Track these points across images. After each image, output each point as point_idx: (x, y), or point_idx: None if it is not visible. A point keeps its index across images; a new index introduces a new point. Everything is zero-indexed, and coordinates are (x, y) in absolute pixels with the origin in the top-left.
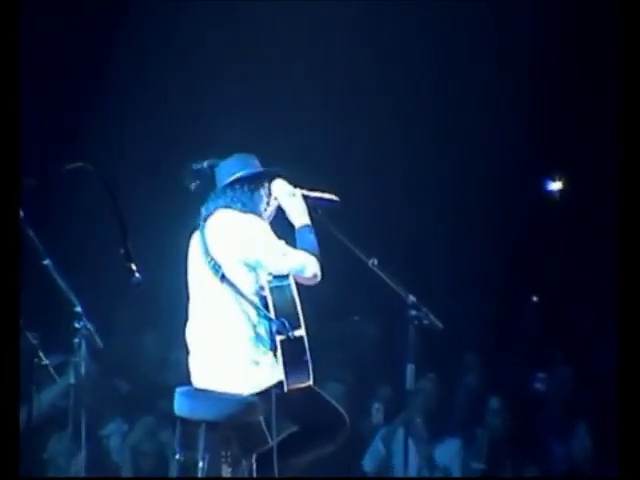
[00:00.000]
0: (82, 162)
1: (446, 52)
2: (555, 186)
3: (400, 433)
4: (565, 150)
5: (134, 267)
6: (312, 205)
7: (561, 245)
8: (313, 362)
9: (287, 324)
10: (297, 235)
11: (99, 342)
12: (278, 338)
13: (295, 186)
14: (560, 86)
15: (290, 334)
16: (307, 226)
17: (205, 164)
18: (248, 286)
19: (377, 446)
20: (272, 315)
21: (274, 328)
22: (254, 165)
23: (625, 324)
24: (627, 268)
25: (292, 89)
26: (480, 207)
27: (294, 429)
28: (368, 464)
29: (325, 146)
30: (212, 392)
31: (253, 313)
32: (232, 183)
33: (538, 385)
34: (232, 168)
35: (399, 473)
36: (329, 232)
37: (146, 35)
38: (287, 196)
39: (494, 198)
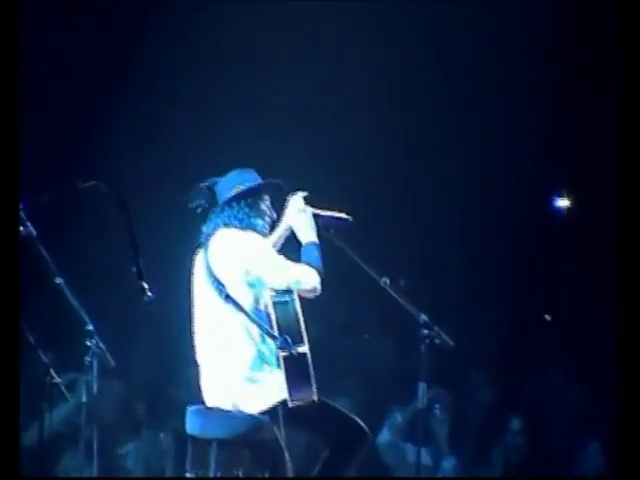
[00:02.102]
0: (95, 180)
1: (440, 48)
2: (563, 202)
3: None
4: (576, 164)
5: (146, 285)
6: (324, 224)
7: (576, 261)
8: (323, 379)
9: (290, 340)
10: (303, 251)
11: (111, 360)
12: (281, 354)
13: (307, 204)
14: (567, 100)
15: (293, 350)
16: (313, 243)
17: (204, 186)
18: (252, 304)
19: (395, 416)
20: (275, 330)
21: (277, 344)
22: (252, 179)
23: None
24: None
25: (304, 96)
26: (492, 222)
27: (326, 453)
28: (384, 435)
29: (336, 161)
30: (222, 410)
31: (257, 331)
32: (229, 201)
33: (553, 404)
34: (230, 184)
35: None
36: (341, 250)
37: (156, 48)
38: (296, 212)
39: (507, 212)
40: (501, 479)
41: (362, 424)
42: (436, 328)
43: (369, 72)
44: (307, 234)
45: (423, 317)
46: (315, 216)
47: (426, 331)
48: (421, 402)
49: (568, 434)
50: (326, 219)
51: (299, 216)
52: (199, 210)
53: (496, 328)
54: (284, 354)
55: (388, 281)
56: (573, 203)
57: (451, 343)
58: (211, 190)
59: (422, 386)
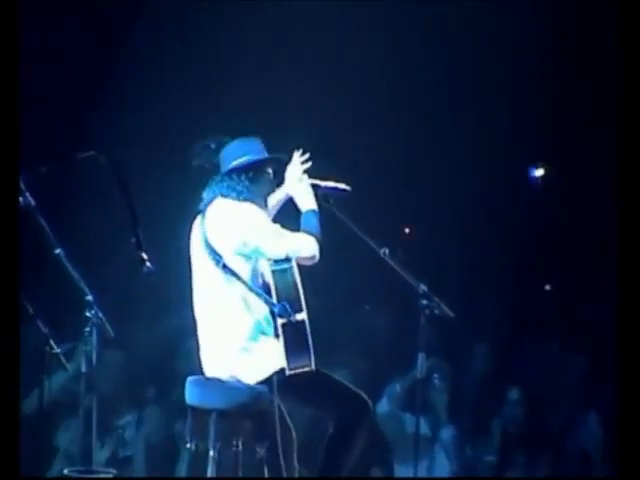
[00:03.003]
0: (93, 150)
1: (440, 48)
2: (539, 172)
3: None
4: (576, 164)
5: (145, 256)
6: (323, 195)
7: (576, 234)
8: (323, 350)
9: (289, 307)
10: (302, 219)
11: (110, 331)
12: (280, 321)
13: (309, 175)
14: (567, 99)
15: (292, 318)
16: (312, 211)
17: (213, 144)
18: (249, 274)
19: (394, 386)
20: (274, 298)
21: (276, 311)
22: (257, 150)
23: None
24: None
25: (304, 96)
26: (490, 196)
27: (330, 431)
28: (383, 405)
29: (336, 161)
30: (222, 381)
31: (254, 301)
32: (230, 171)
33: (551, 376)
34: (234, 154)
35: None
36: (341, 221)
37: (159, 27)
38: (294, 181)
39: (504, 187)
40: (492, 478)
41: (363, 395)
42: (436, 299)
43: (369, 72)
44: (306, 202)
45: (423, 287)
46: (314, 187)
47: (425, 302)
48: (420, 372)
49: (567, 405)
50: (325, 190)
51: (298, 185)
52: (195, 164)
53: (496, 299)
54: (283, 321)
55: (387, 251)
56: (572, 199)
57: (451, 314)
58: (217, 151)
59: (421, 356)
